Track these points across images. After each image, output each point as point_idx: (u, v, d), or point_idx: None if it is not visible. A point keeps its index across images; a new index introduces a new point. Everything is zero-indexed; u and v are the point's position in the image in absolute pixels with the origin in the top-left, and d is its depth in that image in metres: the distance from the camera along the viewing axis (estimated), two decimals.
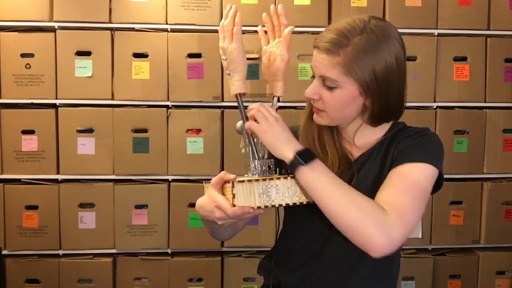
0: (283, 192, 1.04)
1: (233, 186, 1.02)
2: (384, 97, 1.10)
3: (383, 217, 0.98)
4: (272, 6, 1.18)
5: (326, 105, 1.12)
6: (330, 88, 1.10)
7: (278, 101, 1.21)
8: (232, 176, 1.06)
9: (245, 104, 1.14)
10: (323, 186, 1.01)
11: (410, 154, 1.09)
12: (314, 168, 1.02)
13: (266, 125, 1.06)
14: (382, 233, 0.97)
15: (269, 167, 1.10)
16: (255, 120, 1.07)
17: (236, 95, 1.14)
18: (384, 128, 1.18)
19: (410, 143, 1.12)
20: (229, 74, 1.13)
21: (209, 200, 1.07)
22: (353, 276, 1.15)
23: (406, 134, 1.15)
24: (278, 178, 1.04)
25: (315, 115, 1.17)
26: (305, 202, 1.06)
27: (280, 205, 1.05)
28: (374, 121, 1.15)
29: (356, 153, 1.18)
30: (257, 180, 1.03)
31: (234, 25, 1.14)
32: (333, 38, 1.08)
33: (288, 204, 1.05)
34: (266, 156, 1.12)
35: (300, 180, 1.03)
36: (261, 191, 1.03)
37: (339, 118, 1.14)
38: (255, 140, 1.11)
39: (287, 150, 1.04)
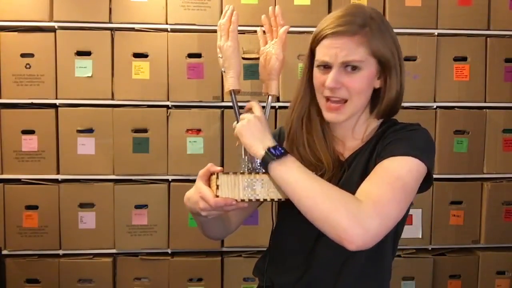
0: (268, 187, 1.04)
1: (217, 177, 1.03)
2: (397, 78, 1.12)
3: (357, 207, 0.96)
4: (270, 8, 1.19)
5: (350, 90, 1.10)
6: (351, 73, 1.09)
7: (278, 101, 1.21)
8: (218, 168, 1.06)
9: (240, 104, 1.15)
10: (295, 180, 1.00)
11: (394, 147, 1.07)
12: (285, 163, 1.02)
13: (242, 127, 1.07)
14: (355, 223, 0.94)
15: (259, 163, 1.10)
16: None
17: (230, 92, 1.15)
18: (375, 125, 1.19)
19: (395, 137, 1.10)
20: (224, 72, 1.14)
21: (195, 191, 1.08)
22: (344, 275, 1.14)
23: (393, 129, 1.15)
24: (264, 173, 1.04)
25: (332, 114, 1.13)
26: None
27: (265, 199, 1.05)
28: (380, 111, 1.15)
29: (347, 153, 1.18)
30: (242, 173, 1.04)
31: (231, 24, 1.14)
32: (351, 20, 1.08)
33: (273, 199, 1.05)
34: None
35: (272, 176, 1.02)
36: (246, 184, 1.03)
37: (358, 105, 1.13)
38: None
39: (259, 148, 1.04)
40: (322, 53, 1.11)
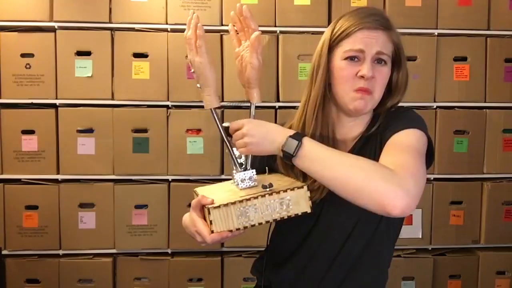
0: (262, 211, 1.03)
1: (209, 213, 1.01)
2: (405, 78, 1.19)
3: (390, 172, 0.95)
4: (237, 5, 1.14)
5: (377, 83, 1.13)
6: (379, 66, 1.13)
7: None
8: (209, 200, 1.04)
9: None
10: (324, 158, 0.99)
11: (394, 127, 1.11)
12: (309, 144, 1.01)
13: (251, 125, 1.06)
14: (395, 186, 0.93)
15: (250, 178, 1.09)
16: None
17: (210, 110, 1.11)
18: (366, 120, 1.21)
19: (390, 120, 1.15)
20: (199, 88, 1.11)
21: (191, 223, 1.08)
22: (340, 269, 1.15)
23: (387, 117, 1.18)
24: (256, 198, 1.02)
25: (361, 102, 1.12)
26: (286, 217, 1.04)
27: (260, 223, 1.03)
28: (385, 108, 1.19)
29: (346, 149, 1.19)
30: (233, 203, 1.02)
31: (197, 38, 1.07)
32: (382, 17, 1.14)
33: (269, 221, 1.04)
34: (248, 167, 1.11)
35: (299, 162, 1.00)
36: (238, 213, 1.02)
37: (378, 99, 1.16)
38: (235, 151, 1.10)
39: (278, 137, 1.03)
40: (356, 43, 1.11)
